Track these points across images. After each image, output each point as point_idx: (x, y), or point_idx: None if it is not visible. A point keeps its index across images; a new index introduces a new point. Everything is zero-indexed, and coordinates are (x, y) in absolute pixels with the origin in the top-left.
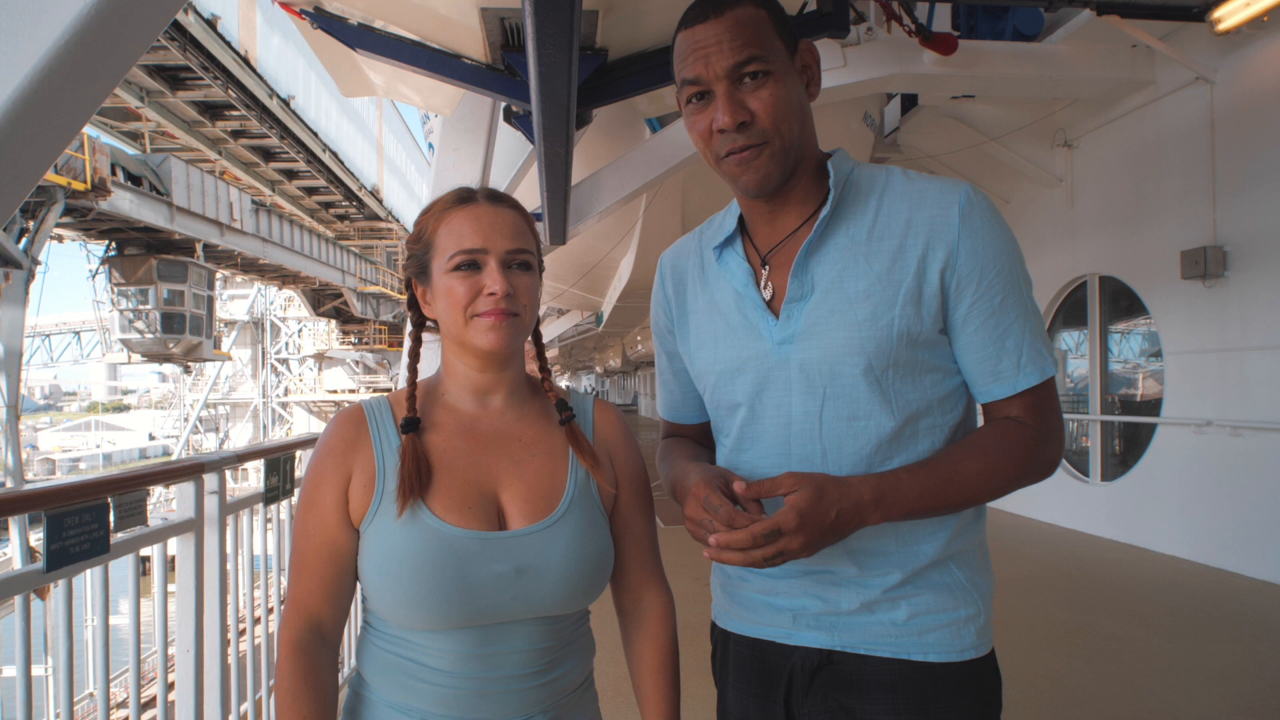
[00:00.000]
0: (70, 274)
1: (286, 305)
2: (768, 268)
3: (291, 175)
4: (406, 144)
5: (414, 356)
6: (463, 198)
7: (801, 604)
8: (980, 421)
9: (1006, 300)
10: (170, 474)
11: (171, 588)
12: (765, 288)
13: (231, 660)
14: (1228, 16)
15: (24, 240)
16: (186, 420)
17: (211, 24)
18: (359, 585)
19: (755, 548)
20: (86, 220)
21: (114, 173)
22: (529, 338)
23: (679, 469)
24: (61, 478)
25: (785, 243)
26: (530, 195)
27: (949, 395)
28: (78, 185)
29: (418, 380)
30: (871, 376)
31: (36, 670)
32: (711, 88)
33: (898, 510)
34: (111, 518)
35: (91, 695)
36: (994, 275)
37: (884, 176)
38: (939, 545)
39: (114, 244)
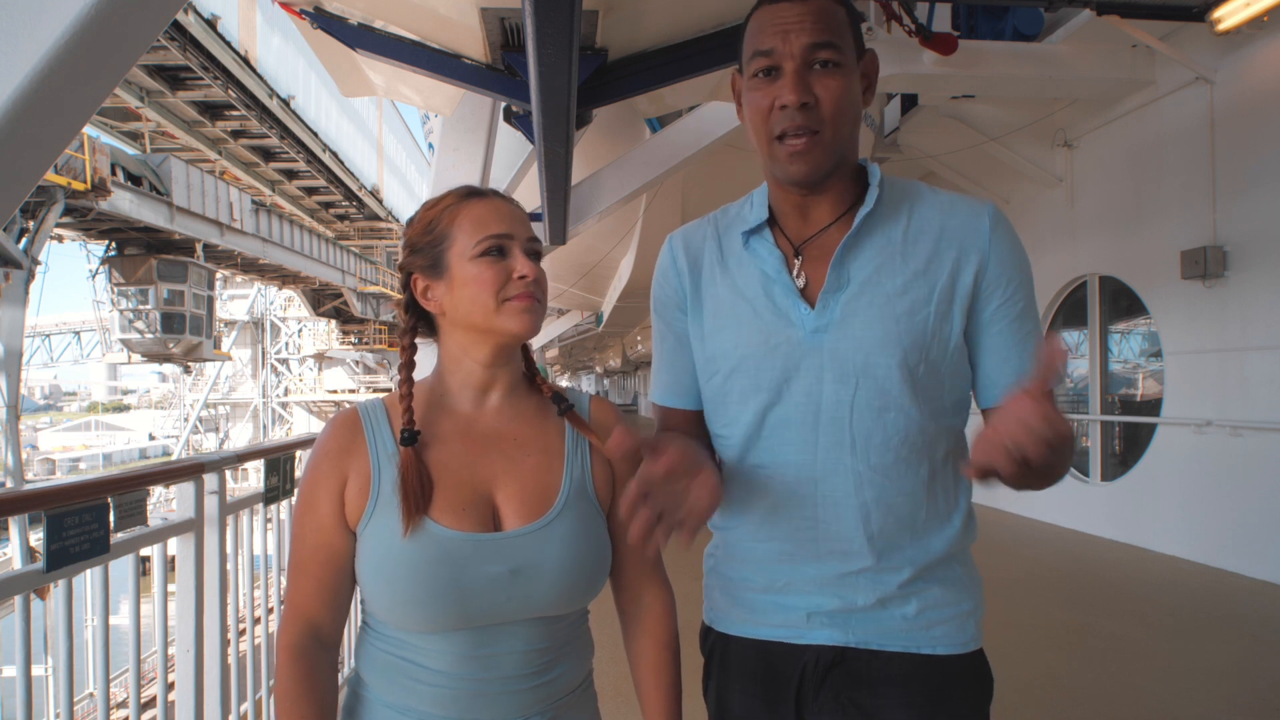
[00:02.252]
0: (70, 274)
1: (286, 305)
2: (800, 257)
3: (291, 175)
4: (406, 144)
5: (409, 363)
6: (474, 192)
7: (817, 602)
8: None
9: (1027, 309)
10: (170, 474)
11: (171, 588)
12: (798, 276)
13: (231, 660)
14: (1228, 16)
15: (24, 240)
16: (186, 420)
17: (211, 24)
18: (357, 587)
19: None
20: (86, 220)
21: (114, 173)
22: None
23: None
24: (61, 478)
25: (819, 235)
26: (530, 195)
27: (958, 402)
28: (78, 185)
29: (412, 387)
30: (905, 370)
31: (36, 670)
32: (782, 64)
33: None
34: (111, 518)
35: (91, 695)
36: (1018, 284)
37: (911, 187)
38: (946, 541)
39: (114, 244)
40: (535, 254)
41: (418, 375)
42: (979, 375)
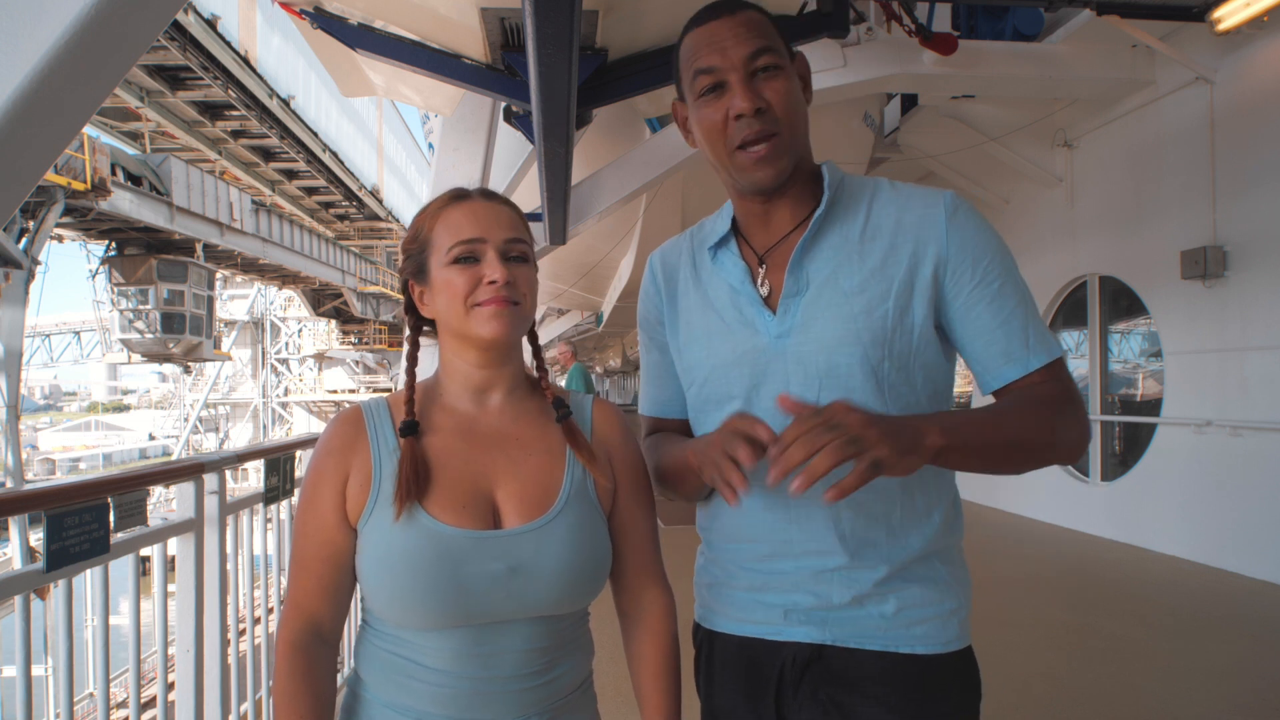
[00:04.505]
0: (70, 274)
1: (286, 305)
2: (764, 266)
3: (291, 175)
4: (406, 144)
5: (412, 360)
6: (457, 195)
7: (793, 599)
8: None
9: (1005, 286)
10: (170, 474)
11: (171, 588)
12: (762, 285)
13: (231, 660)
14: (1228, 16)
15: (24, 240)
16: (186, 420)
17: (211, 24)
18: (357, 585)
19: (813, 438)
20: (86, 220)
21: (114, 173)
22: (526, 336)
23: (680, 446)
24: (61, 478)
25: (781, 243)
26: (530, 195)
27: (936, 392)
28: (78, 185)
29: (415, 383)
30: (868, 367)
31: (36, 670)
32: (726, 78)
33: (955, 431)
34: (111, 518)
35: (91, 695)
36: (987, 262)
37: (872, 184)
38: (925, 540)
39: (114, 244)
40: (519, 255)
41: (423, 376)
42: (971, 363)
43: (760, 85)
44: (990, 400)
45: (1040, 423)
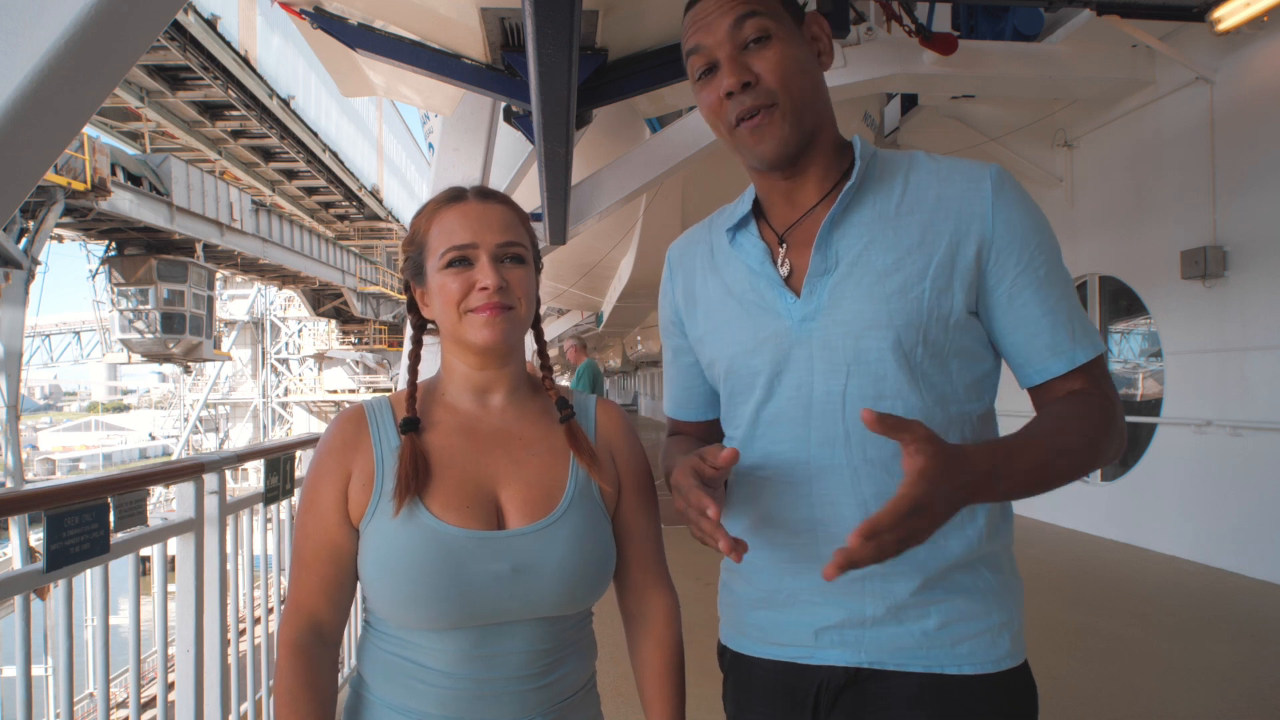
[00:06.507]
0: (70, 274)
1: (286, 305)
2: (785, 245)
3: (291, 175)
4: (406, 144)
5: (414, 358)
6: (453, 196)
7: (824, 614)
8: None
9: (1051, 273)
10: (170, 474)
11: (171, 588)
12: (782, 265)
13: (231, 660)
14: (1228, 16)
15: (24, 240)
16: (186, 420)
17: (211, 24)
18: (359, 585)
19: (892, 532)
20: (86, 220)
21: (114, 173)
22: (530, 335)
23: (671, 464)
24: (61, 478)
25: (804, 220)
26: (530, 195)
27: (975, 383)
28: (78, 185)
29: (418, 381)
30: (900, 353)
31: (36, 670)
32: (715, 55)
33: (1011, 485)
34: (111, 518)
35: (91, 695)
36: (1034, 247)
37: (908, 156)
38: (967, 544)
39: (114, 244)
40: (515, 258)
41: (425, 375)
42: (1011, 355)
43: (749, 59)
44: (1025, 394)
45: (1088, 454)
